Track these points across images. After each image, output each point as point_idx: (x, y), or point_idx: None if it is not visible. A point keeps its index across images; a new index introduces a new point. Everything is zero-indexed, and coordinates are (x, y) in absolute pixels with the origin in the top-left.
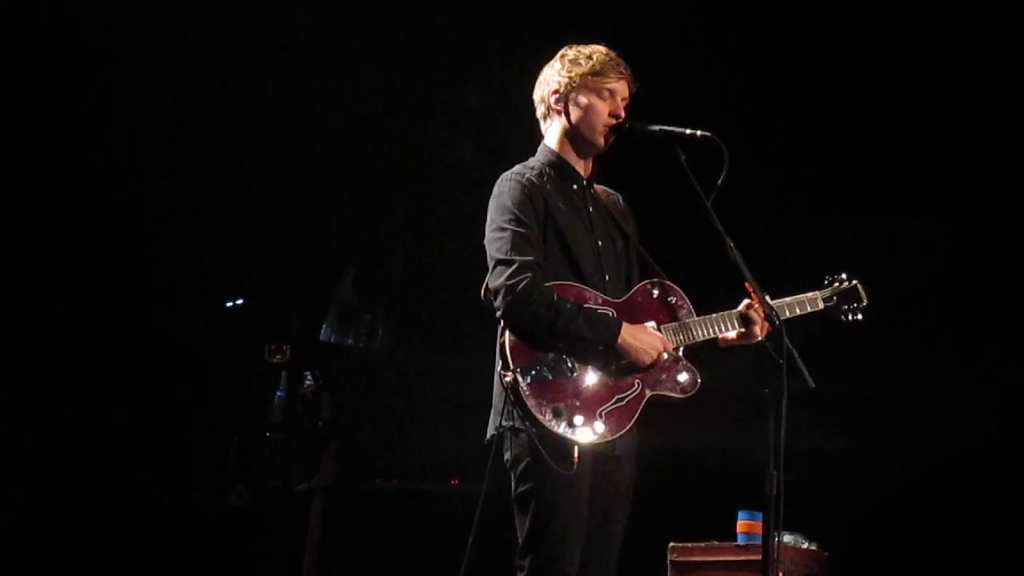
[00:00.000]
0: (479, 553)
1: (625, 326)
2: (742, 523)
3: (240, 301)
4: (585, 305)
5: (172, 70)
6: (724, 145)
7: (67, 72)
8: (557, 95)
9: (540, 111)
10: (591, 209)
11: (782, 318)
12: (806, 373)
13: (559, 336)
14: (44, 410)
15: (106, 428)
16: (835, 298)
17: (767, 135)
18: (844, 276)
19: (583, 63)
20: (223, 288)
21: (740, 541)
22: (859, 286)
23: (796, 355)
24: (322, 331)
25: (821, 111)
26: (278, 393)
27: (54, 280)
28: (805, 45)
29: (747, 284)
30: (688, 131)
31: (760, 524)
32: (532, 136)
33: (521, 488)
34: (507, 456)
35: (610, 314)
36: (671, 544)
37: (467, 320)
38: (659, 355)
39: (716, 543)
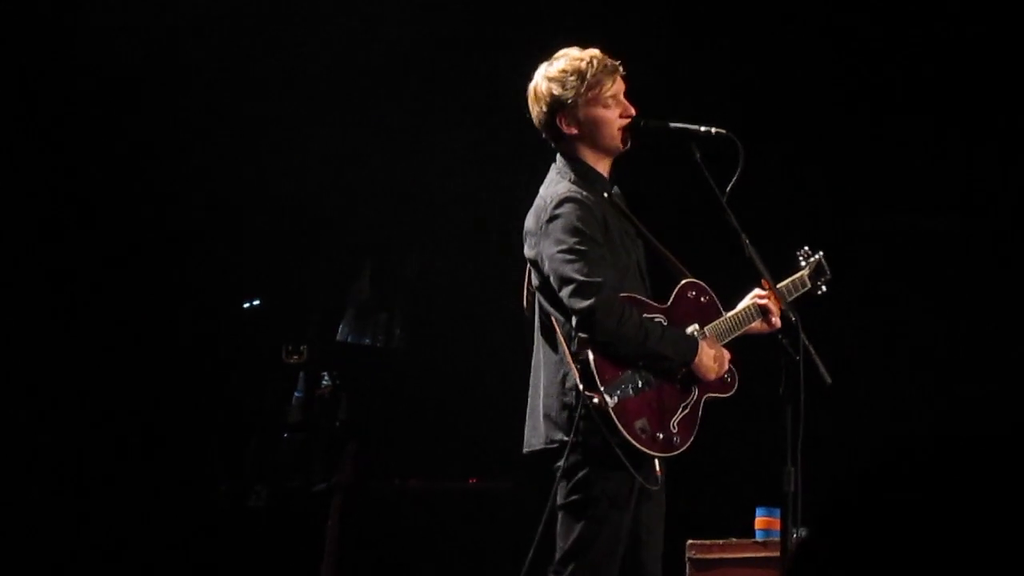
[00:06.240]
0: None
1: (701, 344)
2: (760, 519)
3: (257, 302)
4: (655, 319)
5: (193, 73)
6: (740, 142)
7: (87, 69)
8: (564, 120)
9: (547, 134)
10: (620, 216)
11: (788, 302)
12: (822, 368)
13: (645, 356)
14: (60, 411)
15: (123, 429)
16: (814, 274)
17: (782, 132)
18: (808, 249)
19: (577, 82)
20: (240, 289)
21: (759, 537)
22: (822, 259)
23: (812, 351)
24: (339, 331)
25: (835, 106)
26: (296, 394)
27: (71, 280)
28: (819, 39)
29: (764, 281)
30: (703, 128)
31: (778, 520)
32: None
33: (575, 495)
34: (564, 463)
35: (662, 320)
36: (689, 541)
37: (484, 319)
38: (722, 369)
39: (735, 540)
